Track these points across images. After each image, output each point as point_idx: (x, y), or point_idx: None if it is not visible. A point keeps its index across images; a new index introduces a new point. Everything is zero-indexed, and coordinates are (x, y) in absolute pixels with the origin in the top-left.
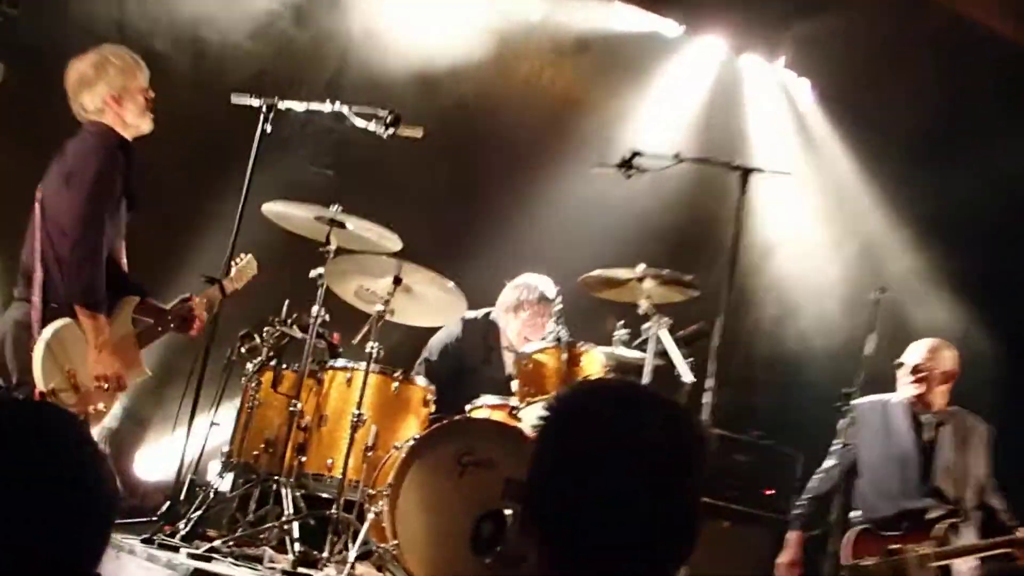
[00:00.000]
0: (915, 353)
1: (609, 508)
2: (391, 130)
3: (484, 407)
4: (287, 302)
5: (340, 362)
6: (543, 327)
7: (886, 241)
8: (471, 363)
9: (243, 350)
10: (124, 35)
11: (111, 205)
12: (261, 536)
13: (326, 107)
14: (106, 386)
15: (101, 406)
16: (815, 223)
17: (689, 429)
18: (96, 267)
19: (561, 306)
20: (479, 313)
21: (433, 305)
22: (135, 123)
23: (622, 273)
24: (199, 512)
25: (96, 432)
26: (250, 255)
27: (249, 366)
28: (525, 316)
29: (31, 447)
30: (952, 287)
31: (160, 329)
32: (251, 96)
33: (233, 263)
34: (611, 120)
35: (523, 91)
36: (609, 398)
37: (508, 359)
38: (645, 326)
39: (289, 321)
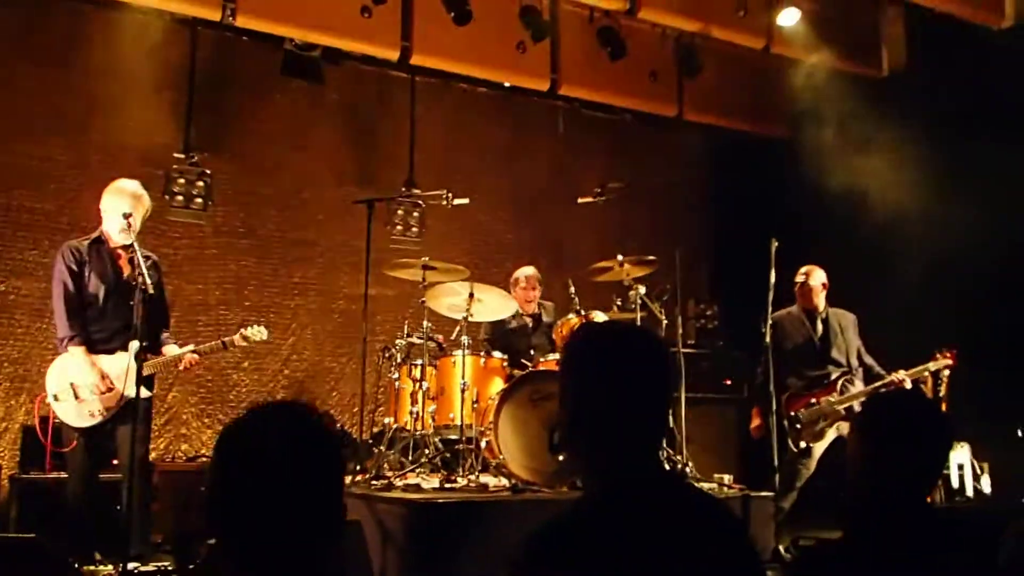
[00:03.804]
0: (800, 276)
1: (607, 404)
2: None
3: (542, 362)
4: (406, 322)
5: (447, 352)
6: (531, 295)
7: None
8: (507, 322)
9: (385, 357)
10: None
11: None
12: (418, 468)
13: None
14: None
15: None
16: None
17: (661, 348)
18: None
19: (573, 288)
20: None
21: (494, 305)
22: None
23: (609, 263)
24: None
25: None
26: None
27: (392, 367)
28: (519, 291)
29: (309, 437)
30: None
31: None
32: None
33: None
34: None
35: None
36: (603, 333)
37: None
38: (630, 293)
39: (409, 334)
